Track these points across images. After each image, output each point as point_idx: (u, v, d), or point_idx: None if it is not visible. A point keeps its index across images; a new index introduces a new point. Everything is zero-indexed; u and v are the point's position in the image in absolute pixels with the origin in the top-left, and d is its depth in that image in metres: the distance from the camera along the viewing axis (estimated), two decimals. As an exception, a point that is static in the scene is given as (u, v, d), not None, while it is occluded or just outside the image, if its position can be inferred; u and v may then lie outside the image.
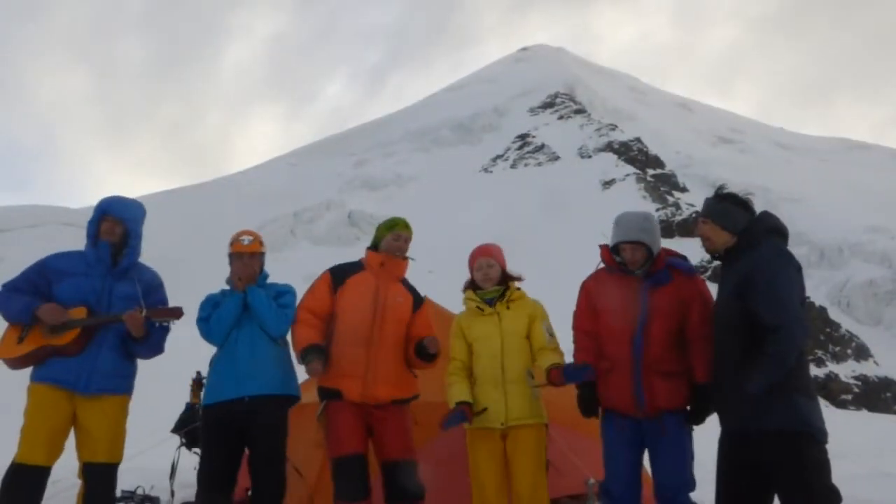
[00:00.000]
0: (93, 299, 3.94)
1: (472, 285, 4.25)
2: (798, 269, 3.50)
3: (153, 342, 4.07)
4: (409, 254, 4.38)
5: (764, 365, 3.32)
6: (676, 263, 3.98)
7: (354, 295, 4.21)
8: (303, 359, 4.10)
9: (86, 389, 3.85)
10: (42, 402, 3.82)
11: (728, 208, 3.67)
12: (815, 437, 3.37)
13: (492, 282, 4.17)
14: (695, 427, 4.01)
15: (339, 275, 4.30)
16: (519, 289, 4.24)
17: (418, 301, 4.33)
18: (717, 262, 3.88)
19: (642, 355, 3.80)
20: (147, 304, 4.01)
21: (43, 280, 3.98)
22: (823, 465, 3.35)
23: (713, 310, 3.75)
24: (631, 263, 3.91)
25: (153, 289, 4.15)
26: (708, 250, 3.77)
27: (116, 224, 4.06)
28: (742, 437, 3.46)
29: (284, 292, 4.29)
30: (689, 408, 3.85)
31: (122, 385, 4.01)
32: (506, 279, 4.24)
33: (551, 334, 4.10)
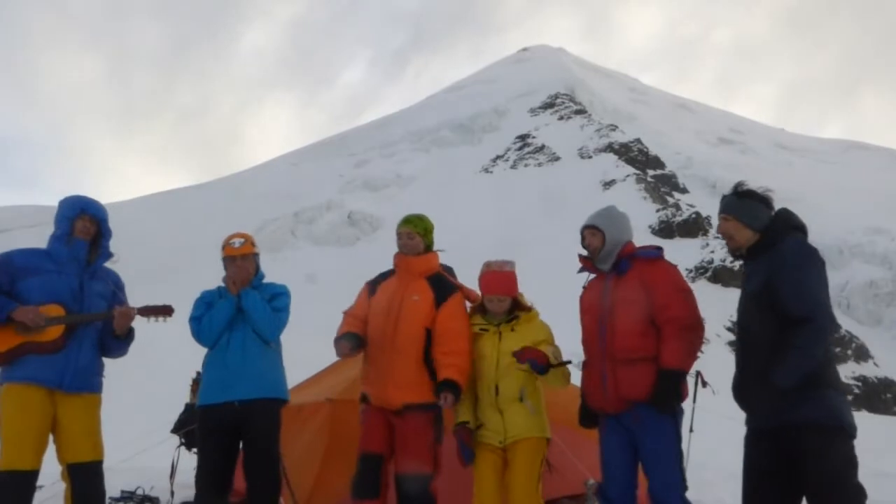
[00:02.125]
0: (68, 297, 3.87)
1: (481, 308, 4.22)
2: (822, 263, 3.46)
3: (131, 340, 4.09)
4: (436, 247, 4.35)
5: (794, 358, 3.28)
6: (639, 252, 3.96)
7: (379, 300, 4.21)
8: (337, 343, 4.14)
9: (69, 388, 3.80)
10: (24, 403, 3.73)
11: (751, 205, 3.62)
12: (847, 431, 3.33)
13: (502, 312, 4.15)
14: (693, 429, 4.00)
15: (373, 283, 4.31)
16: (531, 310, 4.20)
17: (441, 296, 4.16)
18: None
19: (605, 345, 3.79)
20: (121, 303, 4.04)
21: (6, 277, 3.86)
22: (853, 462, 3.31)
23: (739, 308, 3.70)
24: (589, 250, 3.95)
25: (120, 288, 4.16)
26: (731, 249, 3.69)
27: (92, 224, 4.02)
28: (770, 435, 3.41)
29: (279, 294, 4.26)
30: (654, 394, 3.76)
31: (99, 383, 4.00)
32: (515, 307, 4.19)
33: (557, 357, 4.02)
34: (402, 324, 4.09)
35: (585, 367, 3.94)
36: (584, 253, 4.05)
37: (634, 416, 3.75)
